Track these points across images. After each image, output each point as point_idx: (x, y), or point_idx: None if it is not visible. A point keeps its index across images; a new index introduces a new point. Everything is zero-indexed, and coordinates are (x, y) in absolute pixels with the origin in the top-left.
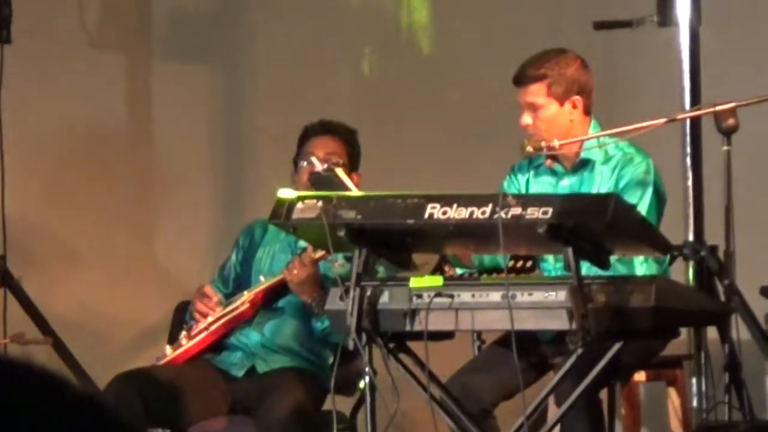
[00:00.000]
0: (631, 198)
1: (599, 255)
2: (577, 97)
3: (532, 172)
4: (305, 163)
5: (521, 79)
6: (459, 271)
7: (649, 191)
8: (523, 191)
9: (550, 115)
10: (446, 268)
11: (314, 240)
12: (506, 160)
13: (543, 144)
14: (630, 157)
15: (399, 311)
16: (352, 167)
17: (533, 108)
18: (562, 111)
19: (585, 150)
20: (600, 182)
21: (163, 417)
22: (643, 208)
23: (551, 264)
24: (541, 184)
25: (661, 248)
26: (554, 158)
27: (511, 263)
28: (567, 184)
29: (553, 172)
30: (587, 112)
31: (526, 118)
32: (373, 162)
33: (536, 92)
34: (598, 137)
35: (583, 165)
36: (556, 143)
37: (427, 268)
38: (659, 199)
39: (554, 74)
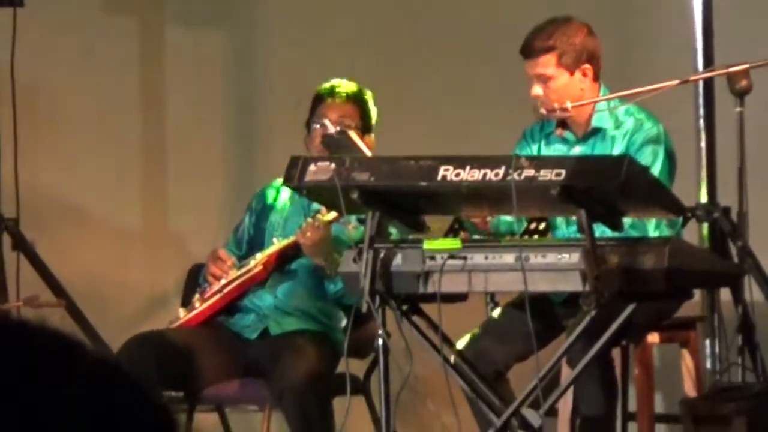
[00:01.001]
0: (644, 162)
1: (612, 217)
2: (587, 66)
3: (543, 141)
4: (318, 126)
5: (530, 51)
6: (475, 237)
7: (662, 154)
8: (535, 153)
9: (561, 85)
10: (462, 234)
11: (327, 202)
12: (517, 123)
13: (556, 106)
14: (641, 122)
15: (412, 273)
16: (365, 130)
17: (543, 79)
18: (573, 80)
19: (597, 113)
20: (612, 149)
21: (177, 379)
22: (655, 171)
23: (564, 231)
24: (553, 153)
25: (675, 210)
26: (565, 126)
27: (533, 225)
28: (578, 152)
29: (564, 141)
30: (596, 78)
31: (537, 89)
32: (386, 125)
33: (546, 63)
34: (612, 99)
35: (594, 133)
36: (568, 105)
37: (440, 231)
38: (671, 163)
39: (563, 44)
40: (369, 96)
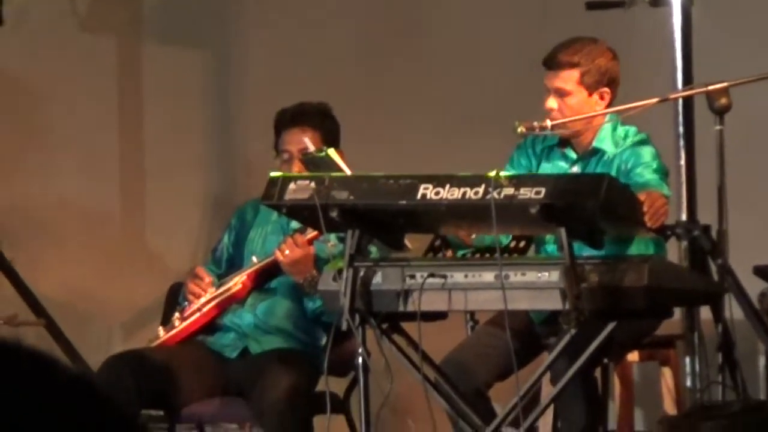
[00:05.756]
0: (644, 160)
1: (593, 235)
2: (606, 89)
3: (544, 153)
4: (285, 156)
5: (553, 64)
6: (460, 252)
7: (650, 149)
8: (534, 165)
9: (577, 103)
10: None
11: (307, 221)
12: (498, 145)
13: (536, 124)
14: (638, 142)
15: (392, 291)
16: (329, 147)
17: (561, 93)
18: (590, 101)
19: (599, 135)
20: (610, 171)
21: (156, 398)
22: (655, 165)
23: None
24: (552, 168)
25: (655, 228)
26: (567, 143)
27: (513, 244)
28: (576, 171)
29: (564, 157)
30: (611, 103)
31: (552, 102)
32: (366, 145)
33: (567, 78)
34: (591, 117)
35: (594, 153)
36: (548, 123)
37: (419, 248)
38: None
39: (588, 63)
40: (329, 112)
